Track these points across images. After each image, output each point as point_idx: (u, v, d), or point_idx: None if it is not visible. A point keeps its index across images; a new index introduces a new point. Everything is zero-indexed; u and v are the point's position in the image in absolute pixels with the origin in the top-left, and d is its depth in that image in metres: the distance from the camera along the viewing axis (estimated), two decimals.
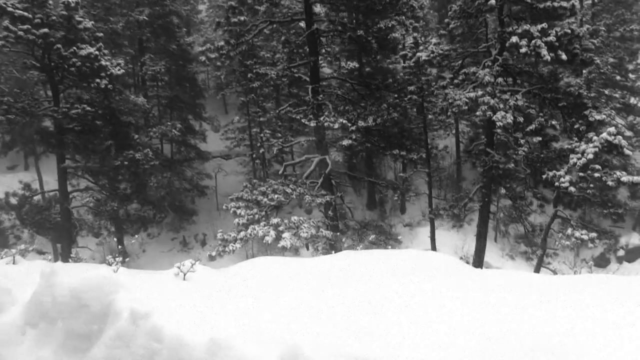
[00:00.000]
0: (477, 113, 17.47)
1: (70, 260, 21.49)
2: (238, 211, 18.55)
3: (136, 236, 32.79)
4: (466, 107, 17.73)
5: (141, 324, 7.02)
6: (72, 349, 7.66)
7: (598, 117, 16.97)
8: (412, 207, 37.87)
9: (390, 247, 22.36)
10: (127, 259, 21.86)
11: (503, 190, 23.66)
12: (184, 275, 8.82)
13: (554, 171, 17.48)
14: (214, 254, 18.47)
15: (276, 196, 18.46)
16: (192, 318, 7.01)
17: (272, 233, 17.13)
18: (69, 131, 25.36)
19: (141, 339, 6.89)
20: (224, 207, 19.69)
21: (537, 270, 21.29)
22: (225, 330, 6.59)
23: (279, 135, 38.87)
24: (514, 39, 16.61)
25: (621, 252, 34.16)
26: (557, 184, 17.20)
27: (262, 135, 36.66)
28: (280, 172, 21.95)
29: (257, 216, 18.32)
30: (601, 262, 33.51)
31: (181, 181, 36.82)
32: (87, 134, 24.58)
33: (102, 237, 34.85)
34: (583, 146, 16.35)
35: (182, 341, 6.59)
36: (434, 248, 25.96)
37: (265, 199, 18.48)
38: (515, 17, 18.18)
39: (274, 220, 17.61)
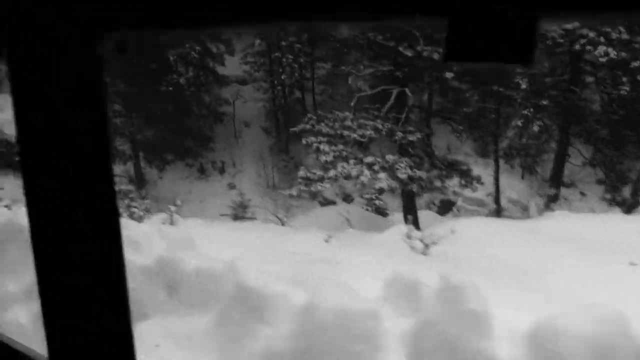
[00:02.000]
0: None
1: None
2: (321, 146, 17.14)
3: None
4: None
5: None
6: None
7: None
8: None
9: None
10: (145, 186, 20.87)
11: None
12: None
13: None
14: (294, 193, 17.33)
15: (368, 132, 17.03)
16: None
17: (367, 172, 15.91)
18: None
19: None
20: (303, 142, 18.21)
21: None
22: None
23: (301, 60, 37.18)
24: None
25: None
26: None
27: (284, 59, 35.03)
28: (352, 103, 20.32)
29: (344, 153, 16.99)
30: None
31: (200, 107, 35.51)
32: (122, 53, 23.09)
33: (117, 161, 33.97)
34: None
35: None
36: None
37: (354, 135, 17.06)
38: None
39: (369, 159, 16.28)
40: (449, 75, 20.82)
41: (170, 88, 25.55)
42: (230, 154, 38.13)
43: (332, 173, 15.93)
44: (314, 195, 36.04)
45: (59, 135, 1.15)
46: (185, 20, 1.05)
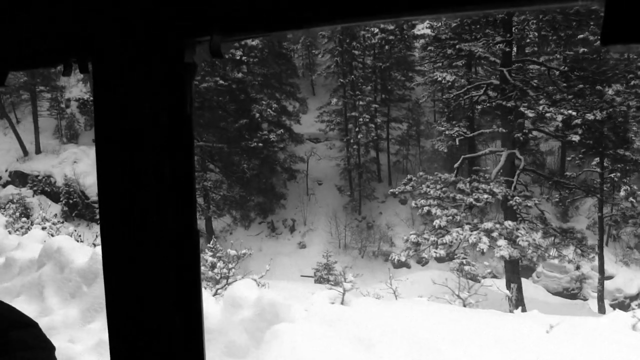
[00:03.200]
0: None
1: None
2: (433, 210, 16.41)
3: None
4: None
5: None
6: None
7: None
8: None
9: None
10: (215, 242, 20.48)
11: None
12: None
13: None
14: (403, 258, 16.57)
15: (484, 196, 16.21)
16: None
17: (485, 240, 15.04)
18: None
19: None
20: (412, 204, 17.53)
21: None
22: None
23: (377, 121, 36.87)
24: None
25: None
26: None
27: (360, 119, 34.79)
28: (455, 165, 19.60)
29: (457, 217, 16.19)
30: None
31: (273, 163, 35.44)
32: (213, 110, 23.31)
33: None
34: None
35: None
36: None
37: (470, 198, 16.27)
38: None
39: (487, 225, 15.41)
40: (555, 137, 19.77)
41: (261, 144, 25.58)
42: (302, 212, 37.73)
43: (447, 239, 14.94)
44: (421, 261, 35.00)
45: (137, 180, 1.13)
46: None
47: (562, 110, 15.51)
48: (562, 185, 19.64)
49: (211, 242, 31.35)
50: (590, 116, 15.58)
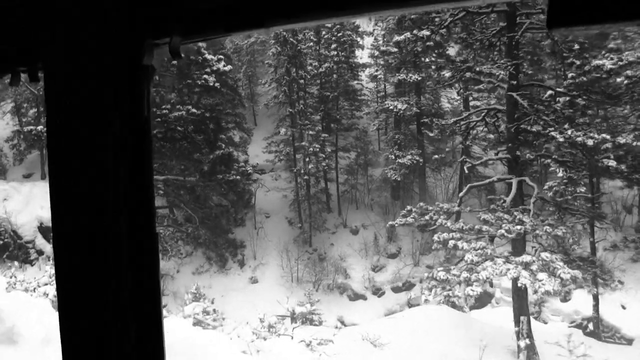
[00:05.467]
0: None
1: None
2: (460, 244, 15.34)
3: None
4: None
5: None
6: None
7: None
8: None
9: None
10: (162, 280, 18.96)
11: None
12: None
13: None
14: (429, 298, 15.35)
15: (517, 227, 15.28)
16: None
17: (525, 274, 14.05)
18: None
19: None
20: (434, 238, 16.38)
21: None
22: None
23: (327, 150, 36.24)
24: None
25: None
26: None
27: (310, 149, 33.99)
28: (460, 194, 18.80)
29: (487, 250, 15.19)
30: None
31: (219, 197, 34.02)
32: (179, 141, 21.75)
33: None
34: None
35: None
36: None
37: (501, 230, 15.29)
38: None
39: (526, 258, 14.43)
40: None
41: (238, 177, 24.43)
42: (251, 246, 36.31)
43: (483, 274, 14.05)
44: (377, 292, 34.04)
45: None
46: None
47: (591, 134, 15.22)
48: (571, 211, 19.33)
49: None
50: (621, 139, 15.41)
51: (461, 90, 34.39)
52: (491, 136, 29.31)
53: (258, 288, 33.61)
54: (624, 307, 28.43)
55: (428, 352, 12.17)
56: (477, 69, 16.23)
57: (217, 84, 20.50)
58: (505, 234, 14.53)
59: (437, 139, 35.83)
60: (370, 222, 37.53)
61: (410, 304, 33.16)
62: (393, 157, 34.64)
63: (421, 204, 17.84)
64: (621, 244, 21.42)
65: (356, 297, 33.75)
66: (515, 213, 15.19)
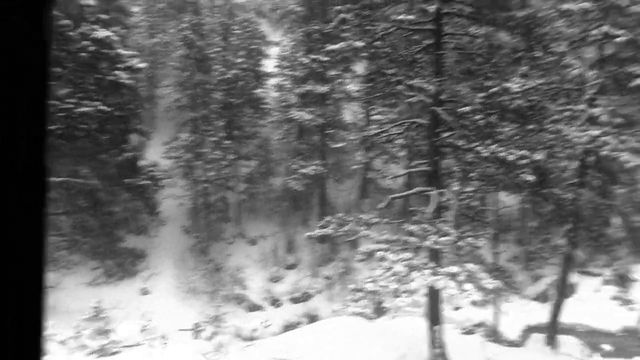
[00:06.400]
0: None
1: None
2: (385, 255, 14.74)
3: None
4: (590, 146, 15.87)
5: None
6: None
7: None
8: None
9: None
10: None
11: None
12: None
13: None
14: (360, 310, 14.54)
15: (444, 238, 14.93)
16: None
17: (452, 284, 13.69)
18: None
19: None
20: (360, 249, 15.57)
21: None
22: None
23: (230, 157, 35.38)
24: None
25: None
26: None
27: (212, 156, 33.03)
28: (382, 205, 18.34)
29: (414, 261, 14.71)
30: None
31: (123, 203, 32.20)
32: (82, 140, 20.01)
33: None
34: None
35: None
36: None
37: (427, 242, 14.86)
38: None
39: (453, 269, 14.07)
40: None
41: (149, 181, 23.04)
42: (146, 254, 34.54)
43: (413, 285, 13.77)
44: (274, 303, 33.19)
45: None
46: None
47: (511, 150, 15.64)
48: (482, 223, 19.83)
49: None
50: (537, 156, 15.98)
51: (365, 104, 34.91)
52: (393, 149, 29.85)
53: (150, 299, 31.90)
54: (506, 314, 29.81)
55: None
56: (409, 82, 16.40)
57: (129, 81, 19.24)
58: (433, 245, 14.63)
59: (343, 151, 36.13)
60: (270, 233, 36.99)
61: (308, 315, 32.91)
62: (296, 167, 34.41)
63: (340, 214, 17.60)
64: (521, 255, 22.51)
65: (254, 308, 32.99)
66: (440, 225, 15.38)
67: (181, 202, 36.34)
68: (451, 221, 15.67)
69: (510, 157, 15.32)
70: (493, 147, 15.61)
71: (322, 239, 35.86)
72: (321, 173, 34.39)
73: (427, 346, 19.10)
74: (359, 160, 36.43)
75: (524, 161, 15.49)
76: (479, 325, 31.39)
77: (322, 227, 17.11)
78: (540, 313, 27.93)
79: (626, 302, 19.54)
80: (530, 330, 31.33)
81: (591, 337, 28.18)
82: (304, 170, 33.41)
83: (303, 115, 33.23)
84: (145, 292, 32.96)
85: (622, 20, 16.36)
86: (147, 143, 36.91)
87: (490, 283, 13.62)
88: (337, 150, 35.96)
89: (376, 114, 35.81)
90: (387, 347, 17.28)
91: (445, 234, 14.82)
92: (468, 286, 13.67)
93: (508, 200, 28.78)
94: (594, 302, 24.12)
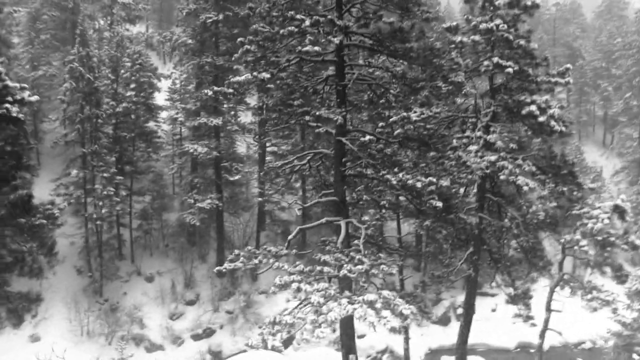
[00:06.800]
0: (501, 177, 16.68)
1: None
2: (301, 286, 14.51)
3: None
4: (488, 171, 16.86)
5: None
6: None
7: (592, 185, 18.18)
8: None
9: None
10: None
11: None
12: None
13: (570, 235, 17.89)
14: (276, 343, 14.14)
15: (358, 267, 14.96)
16: None
17: (371, 312, 13.67)
18: None
19: None
20: (275, 281, 15.16)
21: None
22: None
23: (122, 193, 34.50)
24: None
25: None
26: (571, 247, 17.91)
27: (105, 192, 32.05)
28: (289, 238, 18.20)
29: (332, 291, 14.59)
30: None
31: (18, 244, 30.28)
32: None
33: None
34: (595, 211, 17.21)
35: None
36: None
37: (344, 271, 14.79)
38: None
39: (370, 297, 14.06)
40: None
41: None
42: (31, 297, 32.59)
43: (331, 315, 13.80)
44: (176, 341, 32.20)
45: None
46: None
47: (418, 177, 16.41)
48: (388, 250, 20.53)
49: None
50: (443, 182, 16.78)
51: (259, 137, 35.39)
52: (291, 181, 30.43)
53: (41, 347, 30.11)
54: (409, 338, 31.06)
55: None
56: (316, 113, 16.97)
57: (20, 115, 18.41)
58: (348, 274, 15.08)
59: (239, 184, 36.33)
60: (166, 269, 36.28)
61: (212, 352, 32.48)
62: (192, 201, 34.15)
63: (249, 247, 17.74)
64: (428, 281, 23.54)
65: (154, 347, 32.09)
66: (352, 254, 15.94)
67: (72, 241, 34.87)
68: (361, 249, 16.28)
69: (418, 184, 16.20)
70: (400, 175, 16.43)
71: (221, 273, 35.72)
72: (217, 207, 34.33)
73: None
74: (257, 192, 36.79)
75: (431, 187, 16.39)
76: (384, 351, 32.47)
77: (231, 260, 17.17)
78: (441, 336, 29.33)
79: (528, 318, 21.12)
80: (433, 353, 32.82)
81: (491, 355, 30.06)
82: (200, 204, 33.22)
83: (197, 148, 33.16)
84: (35, 338, 31.14)
85: (509, 52, 17.79)
86: (33, 180, 35.16)
87: (406, 309, 14.21)
88: (232, 183, 36.08)
89: (270, 146, 36.45)
90: None
91: (359, 262, 15.38)
92: (385, 313, 14.17)
93: (404, 228, 30.21)
94: (490, 322, 25.70)
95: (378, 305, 14.14)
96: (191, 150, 33.55)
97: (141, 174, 37.17)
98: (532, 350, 32.61)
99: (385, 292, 14.48)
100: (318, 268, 15.50)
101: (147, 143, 36.85)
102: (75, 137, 33.06)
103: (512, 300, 21.42)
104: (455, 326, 29.46)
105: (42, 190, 34.35)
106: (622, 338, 26.27)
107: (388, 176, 16.53)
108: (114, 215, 34.32)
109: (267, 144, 36.37)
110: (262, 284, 35.65)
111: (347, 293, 15.19)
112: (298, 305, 15.19)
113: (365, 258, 15.58)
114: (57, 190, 33.05)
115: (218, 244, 36.43)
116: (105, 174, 32.49)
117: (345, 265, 15.23)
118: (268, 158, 35.98)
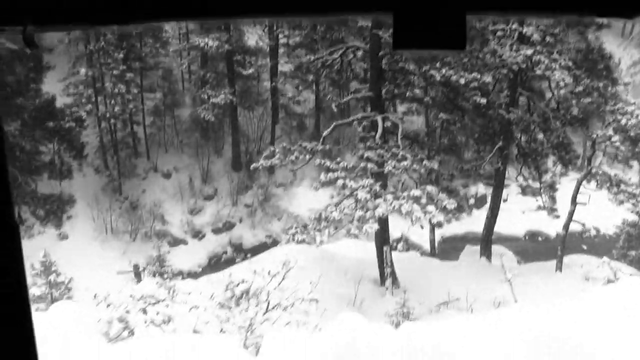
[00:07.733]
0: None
1: None
2: (346, 182, 14.50)
3: None
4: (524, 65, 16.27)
5: None
6: None
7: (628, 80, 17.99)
8: None
9: None
10: None
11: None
12: None
13: (602, 130, 17.70)
14: (325, 239, 14.37)
15: (402, 163, 14.92)
16: None
17: (417, 207, 13.81)
18: None
19: None
20: (321, 178, 15.13)
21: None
22: None
23: (134, 91, 33.96)
24: None
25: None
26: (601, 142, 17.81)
27: (116, 90, 31.57)
28: (324, 133, 17.94)
29: (377, 187, 14.61)
30: None
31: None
32: None
33: None
34: (629, 107, 16.95)
35: None
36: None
37: (389, 167, 14.75)
38: None
39: (415, 192, 14.15)
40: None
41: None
42: (53, 199, 33.11)
43: (379, 211, 13.90)
44: (197, 235, 33.02)
45: None
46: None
47: (461, 73, 15.91)
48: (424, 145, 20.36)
49: None
50: (486, 78, 16.30)
51: (268, 28, 34.27)
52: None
53: (69, 245, 30.97)
54: (422, 227, 31.69)
55: (304, 290, 12.40)
56: None
57: None
58: (393, 170, 15.03)
59: (252, 77, 35.63)
60: (183, 165, 36.43)
61: (233, 244, 33.35)
62: (205, 97, 33.65)
63: (284, 144, 17.57)
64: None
65: (176, 242, 32.96)
66: (394, 149, 15.77)
67: (86, 141, 34.83)
68: (399, 145, 16.12)
69: (462, 80, 15.76)
70: (443, 70, 15.94)
71: (237, 166, 35.91)
72: (231, 101, 33.84)
73: (377, 266, 20.05)
74: (269, 86, 36.14)
75: (475, 84, 15.95)
76: (399, 240, 33.11)
77: (267, 157, 17.08)
78: (454, 224, 29.70)
79: (552, 210, 21.31)
80: (445, 242, 33.50)
81: (504, 243, 30.69)
82: (214, 100, 32.76)
83: (208, 42, 32.17)
84: (63, 237, 31.98)
85: None
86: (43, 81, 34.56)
87: (450, 203, 14.32)
88: (245, 77, 35.36)
89: (283, 38, 35.38)
90: (337, 271, 18.04)
91: (403, 158, 15.28)
92: (430, 208, 14.28)
93: (416, 120, 29.79)
94: (502, 212, 25.94)
95: (423, 200, 14.20)
96: (202, 45, 32.57)
97: (150, 70, 36.38)
98: (540, 239, 33.67)
99: (429, 187, 14.53)
100: (362, 164, 15.40)
101: (155, 38, 35.72)
102: (79, 34, 32.01)
103: (536, 193, 21.57)
104: (466, 216, 29.90)
105: (52, 90, 33.88)
106: (636, 227, 26.67)
107: (432, 72, 15.98)
108: (127, 114, 33.98)
109: (280, 36, 35.25)
110: (279, 177, 35.88)
111: (390, 189, 15.22)
112: (340, 201, 15.23)
113: (408, 154, 15.44)
114: (67, 90, 32.56)
115: (233, 138, 36.31)
116: (115, 71, 31.82)
117: (389, 162, 15.12)
118: (281, 50, 35.03)
